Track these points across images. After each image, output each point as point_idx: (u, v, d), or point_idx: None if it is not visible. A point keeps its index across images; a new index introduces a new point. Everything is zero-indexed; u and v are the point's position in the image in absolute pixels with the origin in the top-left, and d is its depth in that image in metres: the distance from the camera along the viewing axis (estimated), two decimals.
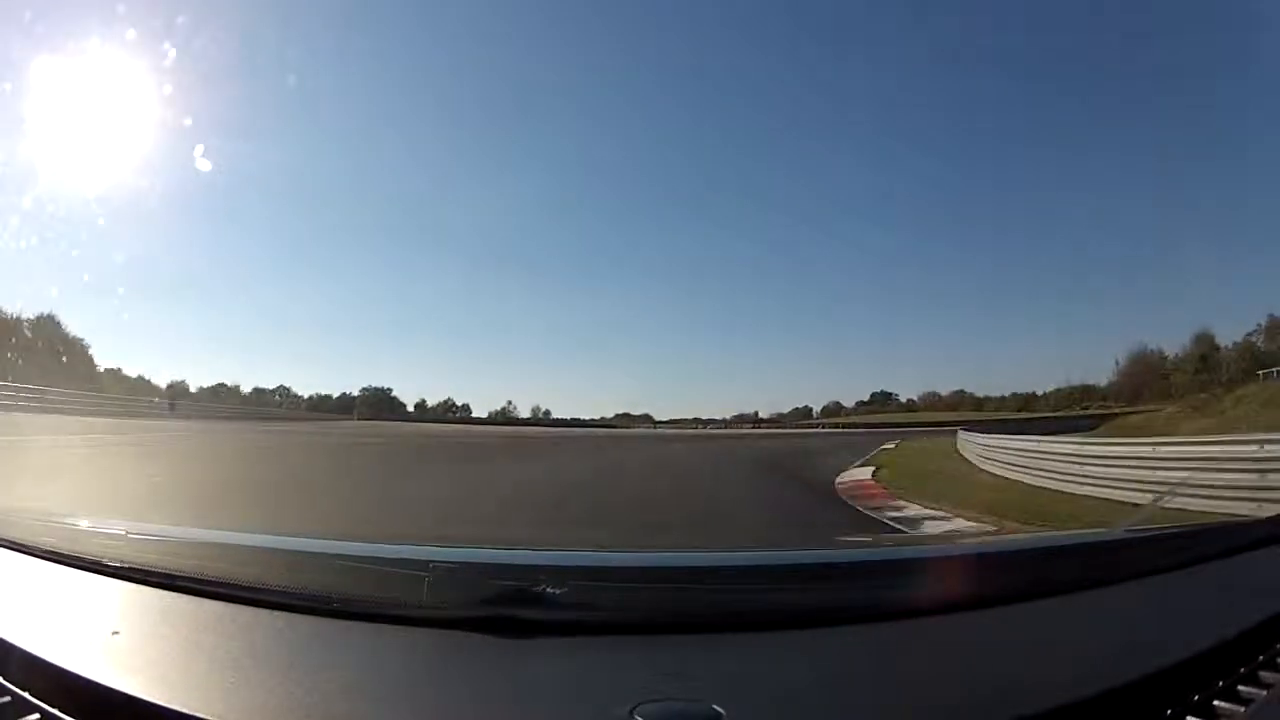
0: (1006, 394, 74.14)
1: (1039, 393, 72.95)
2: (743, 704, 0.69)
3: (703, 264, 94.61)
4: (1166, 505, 6.51)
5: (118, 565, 1.05)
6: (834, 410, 73.25)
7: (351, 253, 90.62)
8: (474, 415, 71.31)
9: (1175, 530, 1.51)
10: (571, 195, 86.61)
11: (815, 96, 75.24)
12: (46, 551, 1.13)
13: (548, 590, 0.87)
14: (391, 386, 71.92)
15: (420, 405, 72.30)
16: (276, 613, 0.90)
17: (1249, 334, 72.23)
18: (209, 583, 0.97)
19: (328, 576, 0.96)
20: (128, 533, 1.16)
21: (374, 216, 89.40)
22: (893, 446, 22.41)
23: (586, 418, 66.83)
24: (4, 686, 0.77)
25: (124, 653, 0.83)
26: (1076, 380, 70.84)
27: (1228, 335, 73.52)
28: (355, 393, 68.86)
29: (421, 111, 75.80)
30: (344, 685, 0.75)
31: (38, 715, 0.73)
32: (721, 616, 0.91)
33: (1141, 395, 71.86)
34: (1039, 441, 12.57)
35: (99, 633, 0.88)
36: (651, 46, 71.39)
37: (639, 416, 66.62)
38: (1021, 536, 2.86)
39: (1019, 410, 69.00)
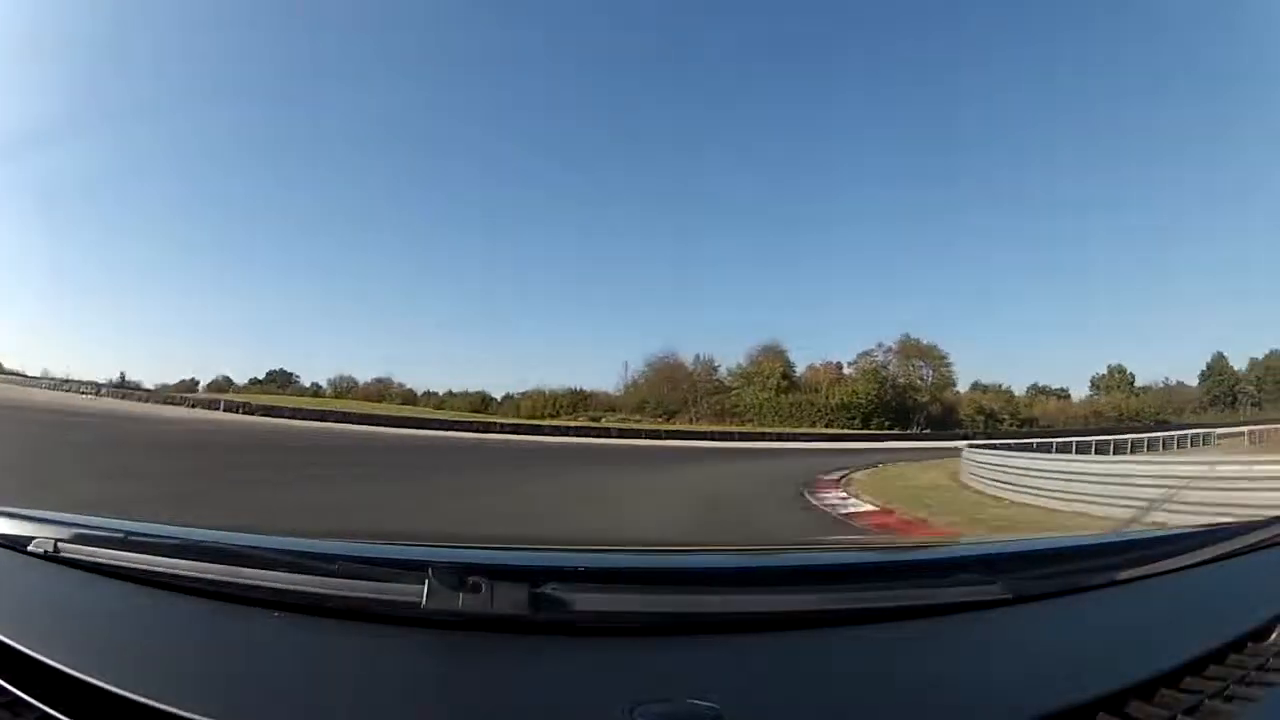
0: (447, 391, 62.83)
1: (495, 395, 63.79)
2: (743, 704, 0.69)
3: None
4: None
5: (117, 565, 1.05)
6: (223, 386, 60.01)
7: None
8: None
9: (1175, 531, 1.49)
10: None
11: None
12: (46, 552, 1.12)
13: (548, 590, 0.86)
14: None
15: None
16: (276, 613, 0.90)
17: (864, 353, 61.57)
18: (209, 583, 0.97)
19: (327, 576, 0.94)
20: (127, 534, 1.15)
21: None
22: None
23: None
24: (3, 687, 0.76)
25: (124, 653, 0.83)
26: (554, 385, 61.24)
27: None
28: None
29: None
30: (344, 685, 0.75)
31: (38, 715, 0.73)
32: (721, 617, 0.90)
33: (682, 412, 58.19)
34: None
35: (99, 633, 0.90)
36: None
37: None
38: (1022, 537, 2.75)
39: (474, 412, 56.01)
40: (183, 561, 1.02)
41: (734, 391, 58.86)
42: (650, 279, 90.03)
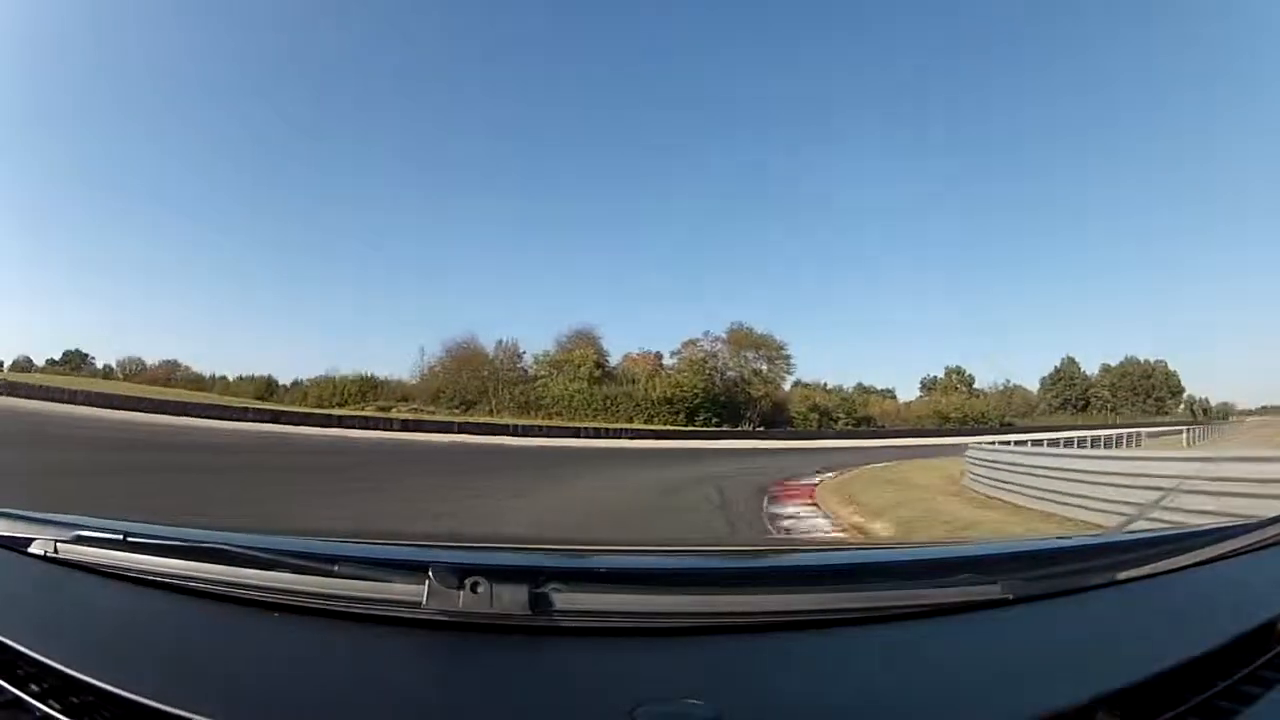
0: (237, 376, 57.19)
1: (283, 381, 57.23)
2: (742, 705, 0.70)
3: None
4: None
5: (117, 566, 1.06)
6: (24, 366, 52.04)
7: None
8: None
9: (1175, 531, 1.51)
10: None
11: None
12: (46, 552, 1.13)
13: (548, 590, 0.86)
14: None
15: None
16: (276, 613, 0.91)
17: (689, 341, 55.26)
18: (209, 583, 0.98)
19: (328, 577, 0.95)
20: (127, 535, 1.15)
21: None
22: None
23: None
24: (3, 687, 0.77)
25: (124, 653, 0.84)
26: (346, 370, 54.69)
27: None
28: None
29: None
30: (344, 685, 0.76)
31: (38, 715, 0.74)
32: (721, 617, 0.90)
33: (481, 402, 49.90)
34: None
35: (99, 633, 0.92)
36: None
37: None
38: (1022, 537, 2.98)
39: (259, 398, 49.74)
40: (183, 562, 1.02)
41: (540, 381, 53.30)
42: (452, 261, 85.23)
